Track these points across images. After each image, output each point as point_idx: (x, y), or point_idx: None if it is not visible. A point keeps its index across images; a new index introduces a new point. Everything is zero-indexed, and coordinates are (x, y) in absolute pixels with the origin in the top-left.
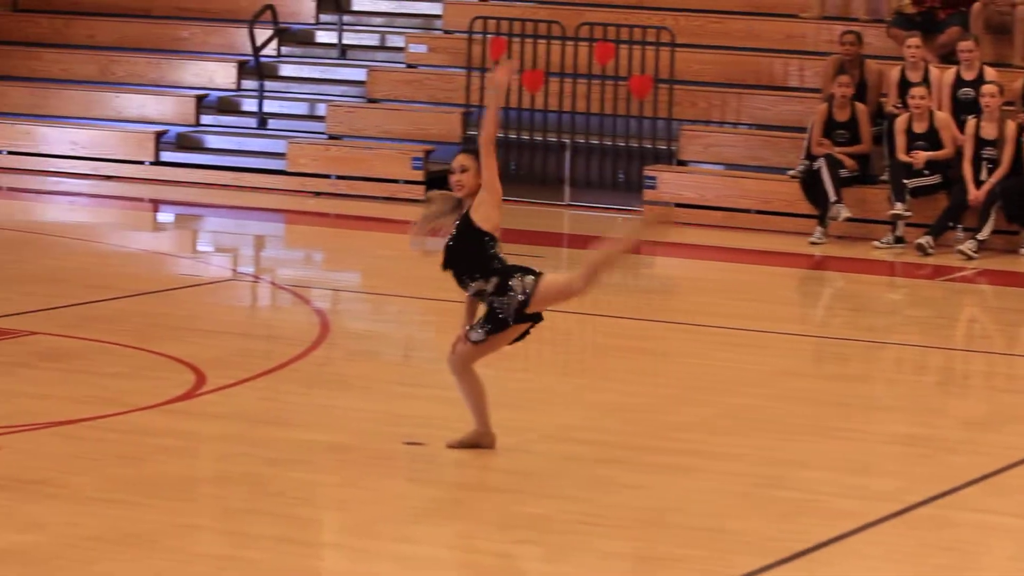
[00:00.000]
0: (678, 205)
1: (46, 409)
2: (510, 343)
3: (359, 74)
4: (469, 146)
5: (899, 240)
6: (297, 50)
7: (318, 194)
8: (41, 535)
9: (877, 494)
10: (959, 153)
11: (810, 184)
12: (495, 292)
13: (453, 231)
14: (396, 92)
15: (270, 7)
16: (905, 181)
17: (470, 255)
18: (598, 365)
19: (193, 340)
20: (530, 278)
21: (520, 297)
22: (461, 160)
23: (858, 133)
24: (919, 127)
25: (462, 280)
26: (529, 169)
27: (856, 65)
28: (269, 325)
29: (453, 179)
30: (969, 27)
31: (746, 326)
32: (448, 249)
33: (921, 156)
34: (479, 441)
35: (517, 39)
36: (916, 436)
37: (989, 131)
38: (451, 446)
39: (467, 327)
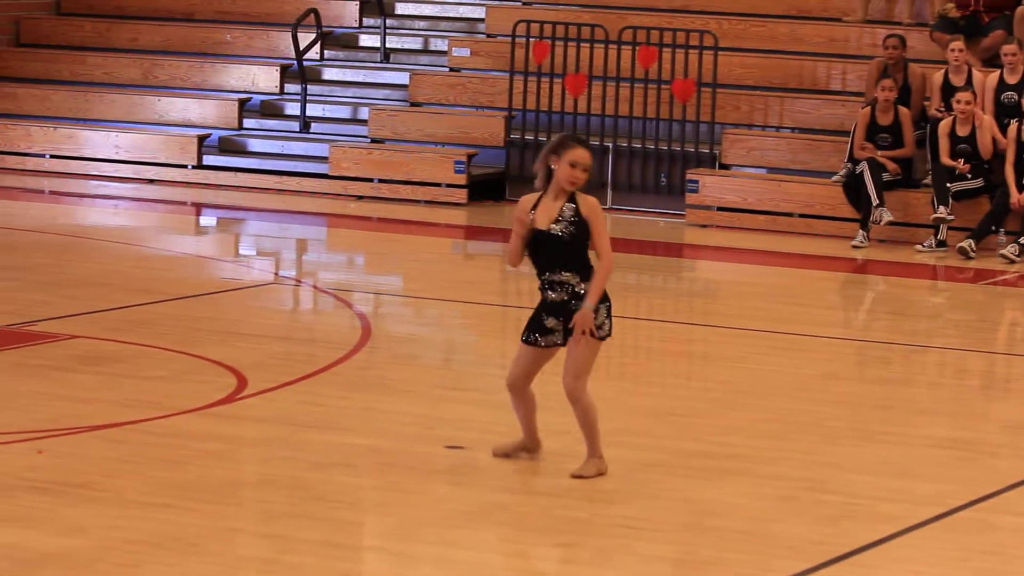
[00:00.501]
0: (720, 209)
1: (88, 413)
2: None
3: (402, 78)
4: (584, 140)
5: (941, 244)
6: (340, 54)
7: (360, 198)
8: (83, 538)
9: (919, 498)
10: (1001, 157)
11: (853, 188)
12: (583, 298)
13: (565, 222)
14: (439, 96)
15: (313, 11)
16: (948, 185)
17: (576, 250)
18: (641, 369)
19: (235, 344)
20: (608, 326)
21: (596, 329)
22: (588, 158)
23: (901, 137)
24: (962, 131)
25: (551, 267)
26: None
27: (899, 69)
28: (311, 329)
29: (575, 175)
30: (1013, 31)
31: (788, 330)
32: (557, 239)
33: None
34: (526, 447)
35: (560, 42)
36: (958, 440)
37: None
38: (497, 454)
39: (542, 335)
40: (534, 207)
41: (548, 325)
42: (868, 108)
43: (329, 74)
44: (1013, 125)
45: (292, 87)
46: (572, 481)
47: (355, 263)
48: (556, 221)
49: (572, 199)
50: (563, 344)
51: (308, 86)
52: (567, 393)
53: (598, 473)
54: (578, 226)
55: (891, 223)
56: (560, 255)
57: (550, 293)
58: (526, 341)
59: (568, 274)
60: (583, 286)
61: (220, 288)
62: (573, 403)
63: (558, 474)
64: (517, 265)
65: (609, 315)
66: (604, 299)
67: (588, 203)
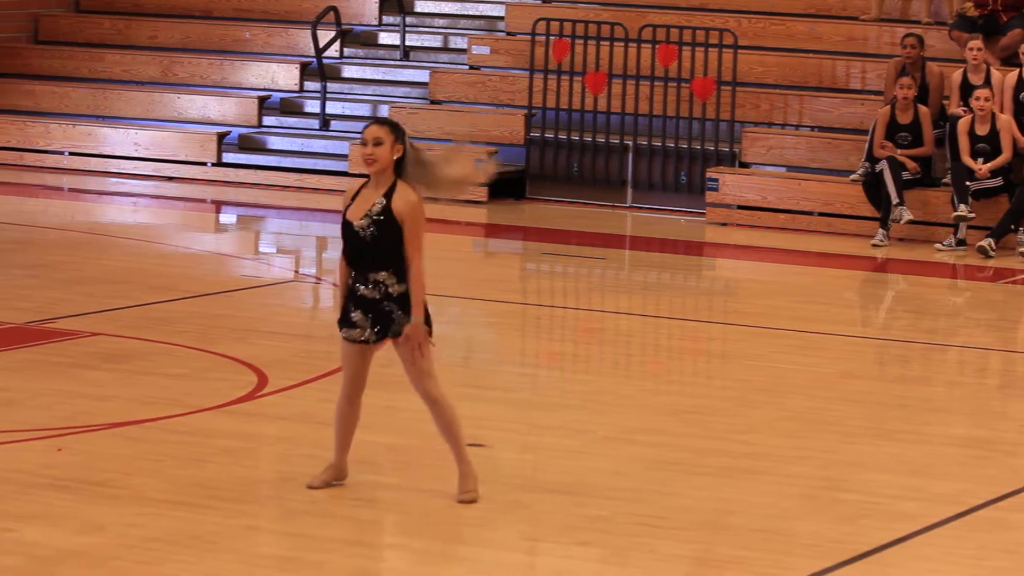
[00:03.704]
0: (740, 207)
1: (107, 410)
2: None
3: (422, 75)
4: (380, 117)
5: (961, 243)
6: (360, 51)
7: None
8: (102, 536)
9: (937, 496)
10: (1021, 155)
11: (872, 186)
12: (398, 300)
13: (369, 219)
14: (459, 94)
15: (333, 8)
16: (967, 183)
17: (386, 250)
18: (660, 367)
19: (255, 341)
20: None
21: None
22: (374, 131)
23: (921, 135)
24: (981, 129)
25: (360, 264)
26: (591, 171)
27: (917, 68)
28: (331, 326)
29: (365, 152)
30: None
31: (808, 328)
32: (359, 238)
33: (984, 169)
34: (337, 474)
35: (580, 40)
36: (977, 438)
37: None
38: (313, 486)
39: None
40: (354, 197)
41: (353, 318)
42: (888, 107)
43: (349, 72)
44: None
45: (312, 85)
46: (591, 479)
47: None
48: (364, 216)
49: (391, 191)
50: (369, 343)
51: (328, 84)
52: (423, 396)
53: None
54: (383, 225)
55: (911, 222)
56: (368, 254)
57: (360, 287)
58: (339, 327)
59: (383, 273)
60: (398, 288)
61: (240, 286)
62: (431, 405)
63: (577, 472)
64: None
65: (410, 318)
66: (410, 308)
67: (404, 198)
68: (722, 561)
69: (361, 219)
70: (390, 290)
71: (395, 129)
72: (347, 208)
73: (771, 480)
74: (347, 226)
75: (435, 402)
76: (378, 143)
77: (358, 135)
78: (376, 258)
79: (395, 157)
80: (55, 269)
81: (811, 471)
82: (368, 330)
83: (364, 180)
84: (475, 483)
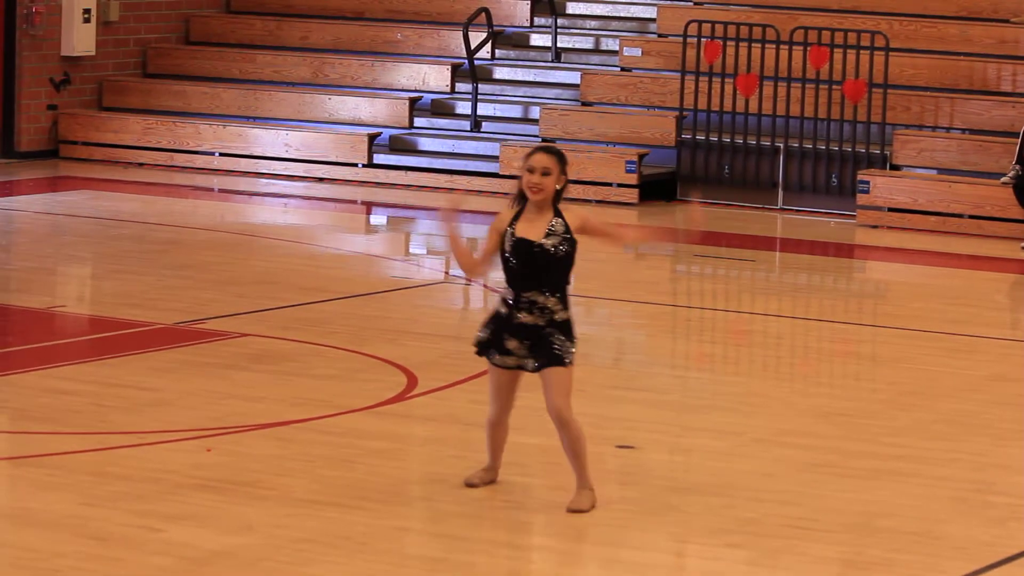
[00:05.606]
0: (891, 210)
1: (257, 411)
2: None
3: (573, 77)
4: (549, 145)
5: None
6: (511, 53)
7: None
8: (251, 537)
9: None
10: None
11: (1023, 189)
12: (560, 325)
13: (558, 237)
14: (610, 95)
15: (484, 10)
16: None
17: (564, 271)
18: (810, 369)
19: (405, 343)
20: (572, 354)
21: (569, 355)
22: (543, 160)
23: None
24: None
25: (533, 286)
26: (742, 173)
27: None
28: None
29: (532, 180)
30: None
31: (958, 331)
32: (549, 254)
33: None
34: (493, 477)
35: (731, 42)
36: None
37: None
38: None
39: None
40: (514, 220)
41: (508, 346)
42: None
43: (500, 73)
44: None
45: (463, 86)
46: (742, 481)
47: None
48: (548, 235)
49: (559, 215)
50: (521, 369)
51: (479, 85)
52: (555, 416)
53: (592, 506)
54: (571, 243)
55: None
56: (548, 273)
57: (522, 314)
58: (481, 353)
59: (552, 299)
60: (563, 315)
61: (390, 287)
62: (562, 425)
63: (727, 474)
64: (479, 271)
65: (574, 344)
66: (572, 335)
67: (575, 215)
68: (872, 563)
69: (546, 237)
70: (556, 317)
71: (562, 160)
72: (513, 227)
73: (921, 483)
74: (525, 245)
75: (567, 423)
76: (546, 173)
77: (509, 136)
78: (551, 280)
79: (557, 188)
80: (205, 270)
81: (961, 474)
82: (526, 359)
83: (519, 207)
84: (588, 502)
